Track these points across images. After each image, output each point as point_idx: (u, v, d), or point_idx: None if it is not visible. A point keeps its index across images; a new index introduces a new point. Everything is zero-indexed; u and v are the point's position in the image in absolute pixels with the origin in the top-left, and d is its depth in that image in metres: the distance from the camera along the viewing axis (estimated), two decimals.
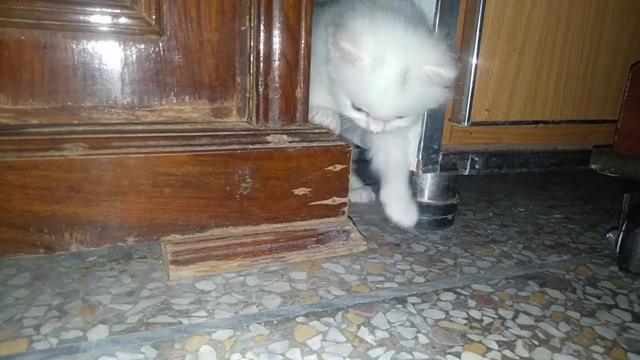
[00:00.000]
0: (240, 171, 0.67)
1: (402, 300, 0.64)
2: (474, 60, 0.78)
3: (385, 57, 0.67)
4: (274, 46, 0.69)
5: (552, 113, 0.89)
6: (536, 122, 0.88)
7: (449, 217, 0.89)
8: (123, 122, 0.66)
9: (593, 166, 0.78)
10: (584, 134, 0.97)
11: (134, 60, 0.64)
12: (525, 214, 1.02)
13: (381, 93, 0.69)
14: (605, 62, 0.90)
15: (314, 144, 0.72)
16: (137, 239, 0.65)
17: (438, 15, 0.75)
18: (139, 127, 0.66)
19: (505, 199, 1.11)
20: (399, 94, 0.68)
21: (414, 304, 0.63)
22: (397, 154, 0.82)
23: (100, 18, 0.61)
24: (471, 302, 0.65)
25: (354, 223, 0.79)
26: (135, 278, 0.65)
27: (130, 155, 0.61)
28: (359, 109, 0.74)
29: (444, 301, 0.65)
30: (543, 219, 0.99)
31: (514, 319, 0.61)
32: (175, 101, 0.68)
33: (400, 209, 0.82)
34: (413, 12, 0.74)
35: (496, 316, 0.62)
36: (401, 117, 0.74)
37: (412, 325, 0.59)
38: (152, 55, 0.65)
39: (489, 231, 0.90)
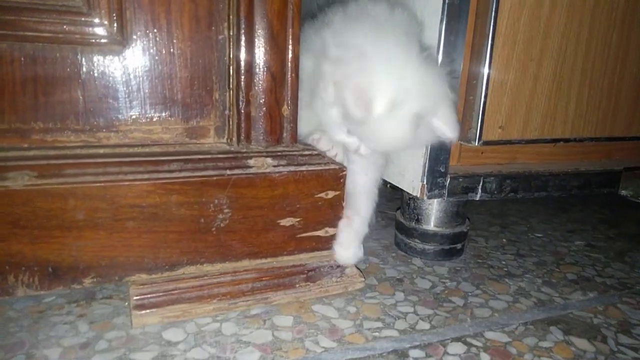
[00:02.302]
0: (216, 200, 0.59)
1: (403, 354, 0.55)
2: (485, 71, 0.68)
3: (404, 100, 0.58)
4: (257, 57, 0.60)
5: (573, 130, 0.79)
6: (556, 141, 0.79)
7: (458, 246, 0.80)
8: (81, 146, 0.57)
9: (623, 192, 0.69)
10: (609, 153, 0.87)
11: (94, 74, 0.56)
12: (544, 240, 0.92)
13: (394, 135, 0.62)
14: (633, 73, 0.81)
15: (303, 168, 0.63)
16: (95, 280, 0.56)
17: (444, 22, 0.66)
18: (100, 151, 0.57)
19: (521, 223, 1.01)
20: (410, 136, 0.61)
21: None
22: (364, 181, 0.72)
23: (52, 26, 0.53)
24: (484, 357, 0.55)
25: None
26: (94, 325, 0.57)
27: (85, 185, 0.53)
28: (352, 134, 0.65)
29: (452, 355, 0.55)
30: (563, 246, 0.89)
31: None
32: (142, 120, 0.59)
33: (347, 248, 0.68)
34: (408, 27, 0.65)
35: None
36: None
37: None
38: (115, 68, 0.56)
39: (504, 262, 0.81)
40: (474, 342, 0.58)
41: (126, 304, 0.61)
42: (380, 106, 0.58)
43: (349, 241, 0.67)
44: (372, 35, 0.61)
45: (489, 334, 0.60)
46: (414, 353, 0.55)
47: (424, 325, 0.60)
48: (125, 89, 0.57)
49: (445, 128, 0.62)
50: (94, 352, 0.52)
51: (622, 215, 1.09)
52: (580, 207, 1.14)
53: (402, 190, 0.78)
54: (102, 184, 0.53)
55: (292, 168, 0.62)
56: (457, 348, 0.56)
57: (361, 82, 0.58)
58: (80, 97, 0.56)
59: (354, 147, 0.65)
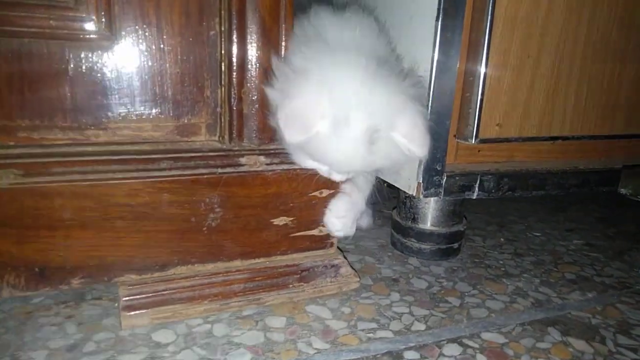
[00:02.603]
0: (207, 199, 0.58)
1: (397, 356, 0.53)
2: (482, 68, 0.67)
3: (349, 116, 0.53)
4: (249, 53, 0.59)
5: (572, 128, 0.78)
6: (554, 139, 0.78)
7: (455, 245, 0.79)
8: (69, 143, 0.56)
9: (622, 190, 0.68)
10: (609, 151, 0.86)
11: (82, 70, 0.55)
12: (542, 239, 0.91)
13: (346, 154, 0.55)
14: (633, 70, 0.80)
15: (297, 166, 0.62)
16: (83, 280, 0.55)
17: (440, 19, 0.65)
18: (88, 149, 0.56)
19: (519, 222, 1.00)
20: (367, 155, 0.55)
21: None
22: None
23: (38, 21, 0.51)
24: (480, 359, 0.54)
25: (344, 256, 0.69)
26: (82, 326, 0.56)
27: (73, 183, 0.52)
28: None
29: (448, 357, 0.54)
30: (561, 245, 0.88)
31: None
32: (132, 118, 0.58)
33: (339, 217, 0.65)
34: (375, 42, 0.62)
35: None
36: None
37: None
38: (103, 64, 0.55)
39: (501, 262, 0.80)
40: (470, 343, 0.57)
41: (116, 305, 0.60)
42: (317, 126, 0.53)
43: (342, 210, 0.64)
44: (317, 56, 0.57)
45: (486, 335, 0.59)
46: (409, 354, 0.54)
47: (420, 326, 0.59)
48: (114, 85, 0.56)
49: (406, 142, 0.55)
50: (81, 354, 0.51)
51: (621, 214, 1.08)
52: (578, 206, 1.13)
53: (398, 189, 0.77)
54: (90, 183, 0.52)
55: (286, 166, 0.61)
56: (452, 349, 0.55)
57: (296, 104, 0.54)
58: (68, 94, 0.54)
59: (325, 173, 0.61)
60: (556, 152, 0.81)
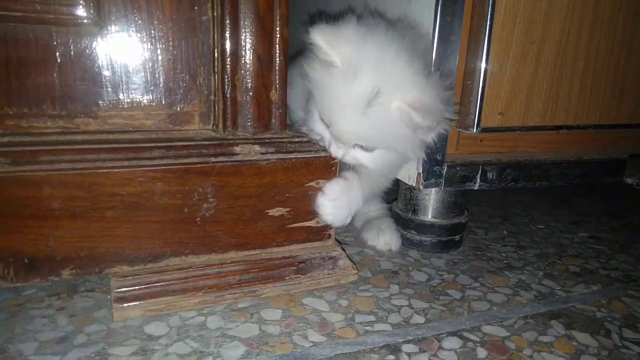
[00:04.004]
0: (200, 189, 0.56)
1: (395, 349, 0.52)
2: (483, 56, 0.65)
3: (359, 69, 0.55)
4: (242, 39, 0.57)
5: (576, 117, 0.76)
6: (558, 128, 0.76)
7: (456, 238, 0.77)
8: (58, 132, 0.55)
9: (628, 180, 0.66)
10: (613, 141, 0.84)
11: (70, 56, 0.53)
12: (545, 232, 0.89)
13: (343, 106, 0.57)
14: (639, 56, 0.77)
15: (292, 156, 0.60)
16: (74, 272, 0.54)
17: (440, 4, 0.63)
18: (78, 138, 0.55)
19: (522, 214, 0.98)
20: (360, 116, 0.56)
21: (409, 354, 0.51)
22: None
23: (24, 5, 0.50)
24: (481, 352, 0.52)
25: (342, 248, 0.67)
26: (73, 318, 0.54)
27: (61, 172, 0.50)
28: (324, 123, 0.62)
29: (448, 350, 0.52)
30: (566, 238, 0.86)
31: None
32: (123, 106, 0.57)
33: (331, 199, 0.63)
34: (417, 45, 0.62)
35: None
36: (363, 150, 0.61)
37: None
38: (92, 50, 0.54)
39: (504, 254, 0.78)
40: (471, 336, 0.55)
41: (109, 297, 0.58)
42: (334, 59, 0.56)
43: (336, 192, 0.62)
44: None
45: (487, 328, 0.57)
46: (407, 348, 0.52)
47: (419, 319, 0.58)
48: (104, 72, 0.55)
49: (411, 112, 0.54)
50: (71, 346, 0.50)
51: (626, 207, 1.06)
52: (583, 199, 1.10)
53: (398, 180, 0.76)
54: (79, 172, 0.51)
55: (281, 155, 0.60)
56: (452, 342, 0.54)
57: (327, 29, 0.57)
58: (57, 81, 0.53)
59: (326, 141, 0.62)
60: (560, 142, 0.80)
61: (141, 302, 0.55)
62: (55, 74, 0.53)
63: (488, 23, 0.64)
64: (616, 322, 0.60)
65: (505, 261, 0.75)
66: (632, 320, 0.60)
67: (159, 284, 0.56)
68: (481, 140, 0.74)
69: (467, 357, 0.51)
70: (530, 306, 0.62)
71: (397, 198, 0.81)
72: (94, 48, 0.54)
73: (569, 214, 1.00)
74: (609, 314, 0.62)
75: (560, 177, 0.77)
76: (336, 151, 0.61)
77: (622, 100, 0.79)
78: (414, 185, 0.70)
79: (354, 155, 0.62)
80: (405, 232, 0.77)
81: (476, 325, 0.57)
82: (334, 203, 0.62)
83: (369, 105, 0.55)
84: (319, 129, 0.62)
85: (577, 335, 0.57)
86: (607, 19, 0.73)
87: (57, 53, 0.52)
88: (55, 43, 0.52)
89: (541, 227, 0.91)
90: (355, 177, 0.64)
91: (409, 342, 0.53)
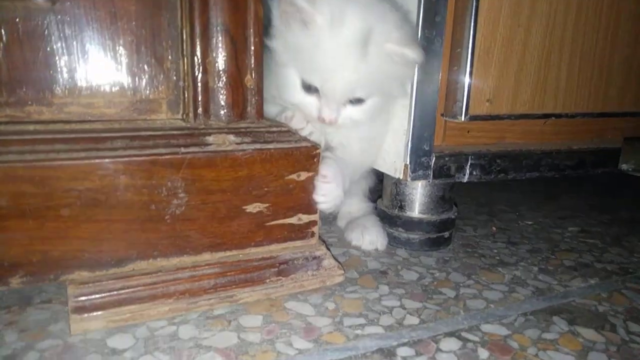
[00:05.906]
0: (169, 183, 0.50)
1: (390, 353, 0.47)
2: (470, 38, 0.62)
3: (346, 16, 0.56)
4: (213, 18, 0.52)
5: (565, 105, 0.73)
6: (547, 116, 0.73)
7: (446, 234, 0.73)
8: (6, 121, 0.48)
9: (623, 166, 0.63)
10: (600, 131, 0.82)
11: (18, 37, 0.47)
12: (535, 227, 0.86)
13: (339, 56, 0.56)
14: (624, 43, 0.75)
15: (271, 146, 0.55)
16: (25, 279, 0.47)
17: None
18: (30, 128, 0.49)
19: (509, 211, 0.95)
20: (360, 59, 0.56)
21: (405, 358, 0.46)
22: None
23: None
24: (482, 353, 0.48)
25: (327, 247, 0.62)
26: (24, 334, 0.48)
27: (7, 165, 0.44)
28: (308, 90, 0.60)
29: (446, 352, 0.48)
30: (556, 233, 0.83)
31: None
32: (80, 93, 0.51)
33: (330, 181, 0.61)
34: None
35: None
36: (358, 103, 0.60)
37: None
38: (44, 30, 0.48)
39: (495, 250, 0.74)
40: (470, 336, 0.51)
41: (67, 308, 0.52)
42: (315, 20, 0.55)
43: (332, 173, 0.58)
44: None
45: (486, 327, 0.53)
46: (402, 351, 0.47)
47: (413, 320, 0.53)
48: (57, 55, 0.49)
49: (404, 49, 0.56)
50: None
51: (613, 202, 1.04)
52: (570, 195, 1.08)
53: (383, 179, 0.71)
54: (29, 164, 0.45)
55: (258, 146, 0.55)
56: (451, 344, 0.49)
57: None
58: (3, 64, 0.47)
59: (314, 110, 0.60)
60: (548, 132, 0.77)
61: (103, 311, 0.49)
62: (0, 56, 0.47)
63: (474, 3, 0.60)
64: (620, 315, 0.56)
65: (498, 257, 0.71)
66: (636, 313, 0.57)
67: (123, 290, 0.50)
68: (468, 131, 0.71)
69: (468, 359, 0.47)
70: (529, 302, 0.59)
71: (381, 195, 0.77)
72: (47, 26, 0.48)
73: (557, 209, 0.97)
74: (612, 308, 0.58)
75: (551, 168, 0.74)
76: (329, 114, 0.59)
77: (609, 88, 0.76)
78: (400, 177, 0.66)
79: (348, 115, 0.61)
80: (392, 230, 0.73)
81: (474, 325, 0.53)
82: (335, 184, 0.58)
83: (365, 45, 0.55)
84: (300, 99, 0.59)
85: (581, 331, 0.53)
86: (592, 3, 0.70)
87: (3, 31, 0.46)
88: (0, 20, 0.46)
89: (529, 222, 0.88)
90: (337, 160, 0.61)
91: (403, 345, 0.49)
